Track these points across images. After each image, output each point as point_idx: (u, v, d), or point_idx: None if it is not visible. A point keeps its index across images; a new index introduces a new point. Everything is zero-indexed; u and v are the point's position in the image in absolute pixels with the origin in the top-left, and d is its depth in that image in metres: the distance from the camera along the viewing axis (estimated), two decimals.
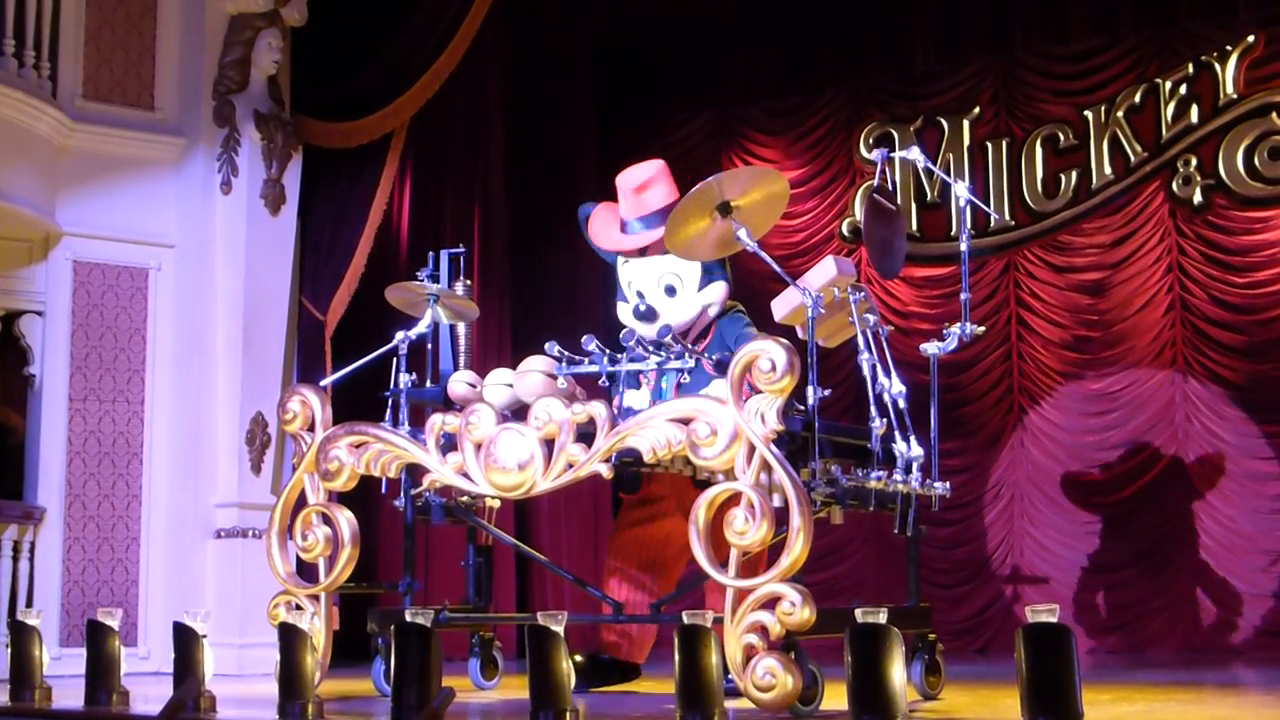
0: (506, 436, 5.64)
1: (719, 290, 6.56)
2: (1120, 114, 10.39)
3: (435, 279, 6.89)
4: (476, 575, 7.10)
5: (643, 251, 6.60)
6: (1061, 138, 10.59)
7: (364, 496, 7.24)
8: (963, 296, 6.06)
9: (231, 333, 9.06)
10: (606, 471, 5.54)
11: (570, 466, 5.56)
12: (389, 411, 6.25)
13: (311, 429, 6.14)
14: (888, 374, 5.76)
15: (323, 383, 6.61)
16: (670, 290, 6.53)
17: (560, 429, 5.55)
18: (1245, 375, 9.91)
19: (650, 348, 5.79)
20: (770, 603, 5.10)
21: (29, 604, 8.24)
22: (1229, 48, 10.08)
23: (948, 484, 5.98)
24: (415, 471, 6.19)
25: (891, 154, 6.82)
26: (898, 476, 5.71)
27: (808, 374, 5.41)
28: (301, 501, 6.18)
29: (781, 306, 6.12)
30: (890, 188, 6.41)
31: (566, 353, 5.90)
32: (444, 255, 7.06)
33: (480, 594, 7.10)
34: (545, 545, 10.18)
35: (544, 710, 4.54)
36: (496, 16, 9.92)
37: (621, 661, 6.79)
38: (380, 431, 6.02)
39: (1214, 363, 10.00)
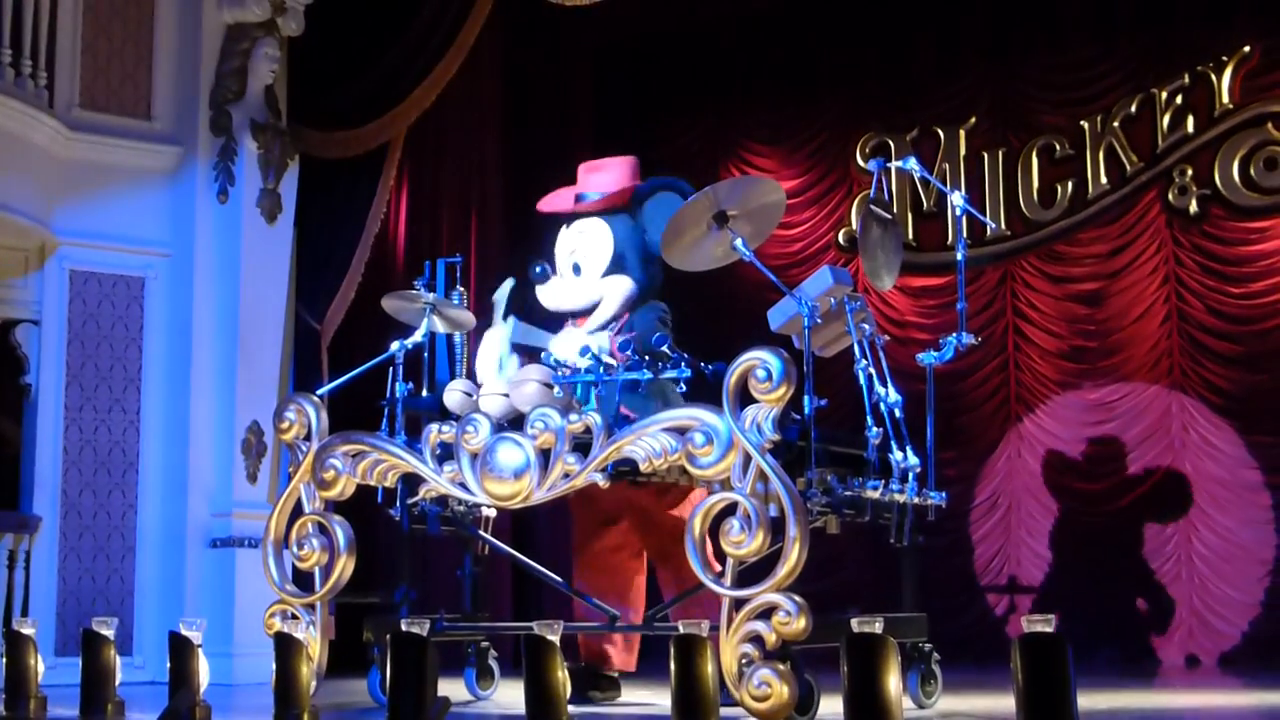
0: (503, 446, 5.65)
1: (620, 285, 6.50)
2: (1116, 124, 10.40)
3: (431, 288, 6.89)
4: (473, 585, 7.09)
5: (569, 221, 6.65)
6: (1057, 147, 10.60)
7: (360, 506, 7.22)
8: (959, 306, 6.07)
9: (228, 342, 9.06)
10: (603, 481, 5.54)
11: (566, 476, 5.56)
12: (385, 421, 6.25)
13: (308, 438, 6.14)
14: (884, 383, 5.77)
15: (319, 392, 6.61)
16: (576, 269, 6.58)
17: (556, 438, 5.55)
18: (1242, 385, 9.91)
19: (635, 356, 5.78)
20: (766, 612, 5.10)
21: (24, 613, 8.22)
22: (1225, 58, 10.09)
23: (944, 494, 5.99)
24: (412, 481, 6.19)
25: (888, 163, 6.84)
26: (894, 486, 5.71)
27: (804, 383, 5.41)
28: (298, 511, 6.18)
29: (778, 316, 6.12)
30: (886, 197, 6.43)
31: (563, 362, 5.90)
32: (440, 264, 7.06)
33: (476, 603, 7.10)
34: (542, 555, 10.12)
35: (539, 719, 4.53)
36: (493, 26, 9.92)
37: (602, 674, 6.79)
38: (376, 441, 6.02)
39: (1210, 373, 10.00)
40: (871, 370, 5.79)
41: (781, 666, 5.04)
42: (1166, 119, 10.27)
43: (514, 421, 5.87)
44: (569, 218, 6.80)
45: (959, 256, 6.18)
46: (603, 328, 6.44)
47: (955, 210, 6.31)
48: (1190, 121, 10.18)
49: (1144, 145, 10.33)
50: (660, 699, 6.33)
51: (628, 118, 11.68)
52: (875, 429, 5.68)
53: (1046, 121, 10.69)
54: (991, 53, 10.76)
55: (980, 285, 10.59)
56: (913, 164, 6.45)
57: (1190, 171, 10.16)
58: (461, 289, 7.07)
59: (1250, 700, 6.98)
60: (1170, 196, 10.23)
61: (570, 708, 4.64)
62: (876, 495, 5.62)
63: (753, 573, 5.30)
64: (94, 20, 9.07)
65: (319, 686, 5.87)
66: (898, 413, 5.75)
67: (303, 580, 6.28)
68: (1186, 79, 10.21)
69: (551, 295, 6.65)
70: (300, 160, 9.40)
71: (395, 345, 6.39)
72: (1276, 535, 9.75)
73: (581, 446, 5.53)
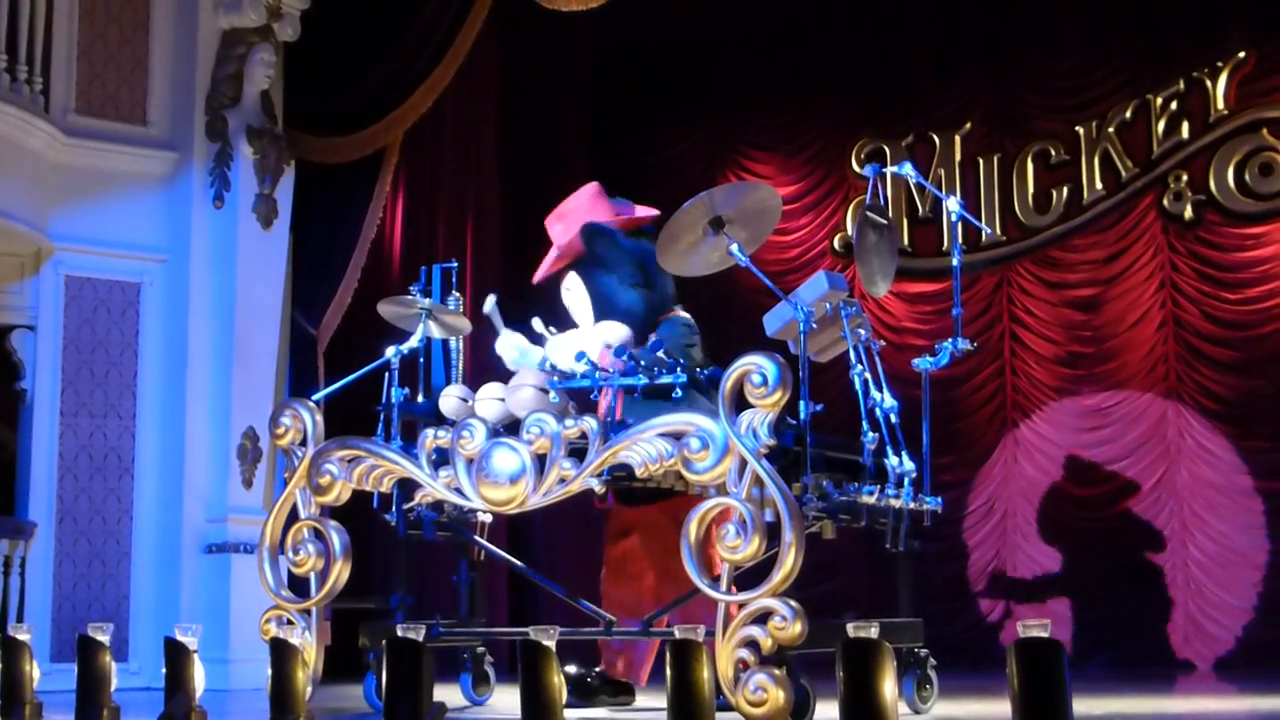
0: (498, 451, 5.64)
1: (609, 330, 6.43)
2: (1112, 130, 10.42)
3: (427, 294, 6.89)
4: (469, 590, 7.08)
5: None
6: (1053, 153, 10.62)
7: (356, 511, 7.22)
8: (955, 312, 6.07)
9: (223, 347, 9.06)
10: (599, 486, 5.53)
11: (562, 481, 5.55)
12: (381, 426, 6.24)
13: (303, 443, 6.13)
14: (880, 389, 5.77)
15: (315, 397, 6.60)
16: (579, 325, 6.59)
17: (552, 443, 5.54)
18: (1237, 391, 9.93)
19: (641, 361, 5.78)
20: (762, 617, 5.10)
21: (19, 619, 8.22)
22: (1220, 64, 10.11)
23: (940, 499, 5.99)
24: (407, 486, 6.18)
25: (884, 169, 6.84)
26: (890, 491, 5.71)
27: (800, 388, 5.41)
28: (293, 516, 6.17)
29: (774, 321, 6.12)
30: (882, 203, 6.43)
31: (559, 367, 5.90)
32: (436, 270, 7.05)
33: (472, 609, 7.09)
34: (538, 560, 10.17)
35: None
36: (490, 33, 9.93)
37: (614, 680, 6.78)
38: (372, 446, 6.01)
39: (1206, 378, 10.01)
40: (867, 376, 5.79)
41: (777, 671, 5.04)
42: (1162, 125, 10.29)
43: (510, 427, 5.87)
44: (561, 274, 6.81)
45: (955, 262, 6.18)
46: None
47: (951, 216, 6.31)
48: (1185, 127, 10.19)
49: (1139, 151, 10.35)
50: (656, 703, 6.34)
51: (624, 124, 11.69)
52: (871, 434, 5.68)
53: (1042, 127, 10.71)
54: (987, 59, 10.78)
55: (976, 291, 10.60)
56: (908, 170, 6.45)
57: (1185, 177, 10.18)
58: (458, 294, 7.05)
59: (1244, 705, 6.98)
60: (1166, 202, 10.24)
61: (567, 712, 4.63)
62: (872, 500, 5.62)
63: (748, 578, 5.30)
64: (90, 25, 9.07)
65: (315, 692, 5.86)
66: (894, 418, 5.75)
67: (298, 586, 6.27)
68: (1182, 85, 10.22)
69: (556, 351, 6.57)
70: (296, 165, 9.41)
71: (391, 350, 6.38)
72: (1270, 541, 9.77)
73: (577, 452, 5.53)
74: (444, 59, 9.49)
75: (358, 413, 6.94)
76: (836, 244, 11.20)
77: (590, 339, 6.33)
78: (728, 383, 5.24)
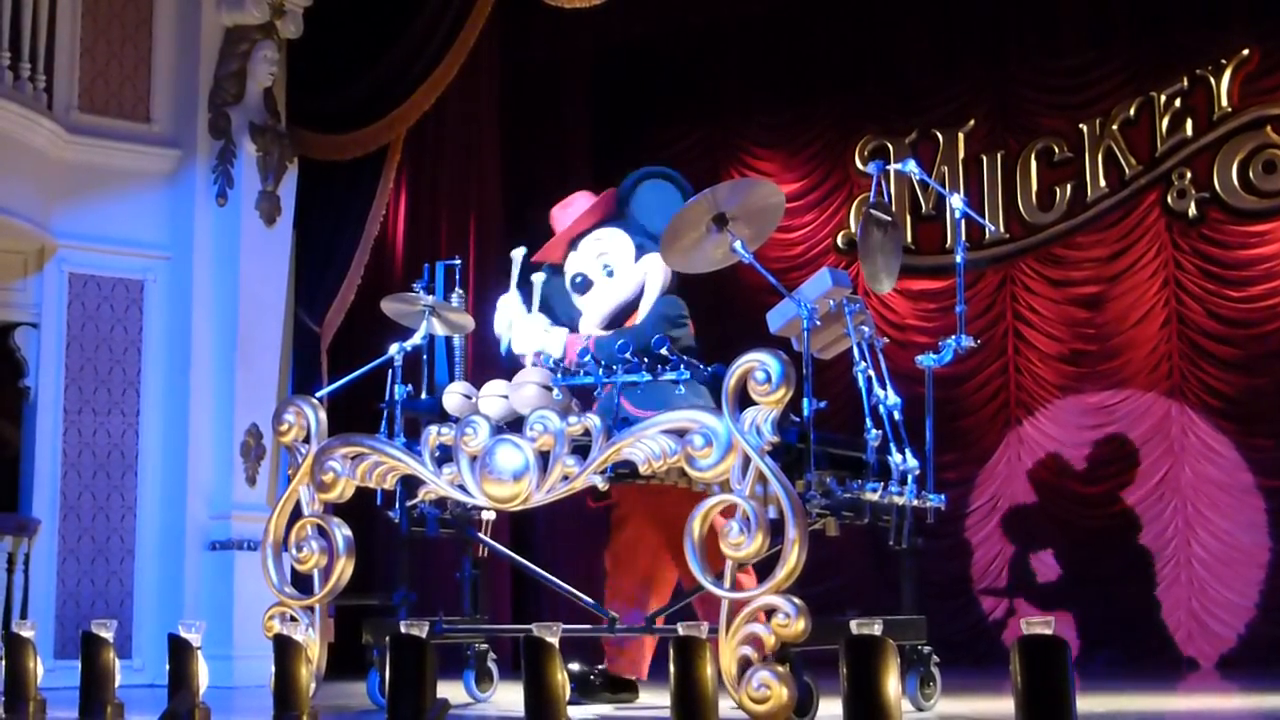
0: (502, 448, 5.64)
1: (656, 262, 6.48)
2: (1115, 127, 10.41)
3: (430, 291, 6.89)
4: (472, 587, 7.09)
5: (572, 245, 6.67)
6: (1056, 151, 10.61)
7: (359, 508, 7.22)
8: (958, 309, 6.07)
9: (227, 344, 9.06)
10: (602, 483, 5.54)
11: (566, 478, 5.56)
12: (384, 423, 6.24)
13: (307, 440, 6.14)
14: (883, 386, 5.77)
15: (318, 394, 6.60)
16: (609, 271, 6.58)
17: (555, 441, 5.55)
18: (1241, 389, 9.92)
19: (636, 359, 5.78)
20: (765, 615, 5.09)
21: (23, 616, 8.23)
22: (1223, 61, 10.09)
23: (943, 496, 5.98)
24: (411, 483, 6.18)
25: (887, 166, 6.83)
26: (893, 489, 5.71)
27: (803, 386, 5.40)
28: (297, 513, 6.17)
29: (777, 318, 6.12)
30: (885, 200, 6.43)
31: (562, 364, 5.90)
32: (439, 267, 7.06)
33: (475, 606, 7.09)
34: (541, 557, 10.13)
35: None
36: (492, 30, 9.93)
37: (615, 676, 6.78)
38: (376, 443, 6.01)
39: (1210, 376, 10.01)
40: (871, 373, 5.79)
41: (781, 668, 5.04)
42: (1165, 122, 10.27)
43: (513, 424, 5.87)
44: (573, 242, 6.80)
45: (958, 259, 6.18)
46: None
47: (954, 213, 6.31)
48: (1189, 125, 10.18)
49: (1143, 148, 10.34)
50: (657, 700, 6.34)
51: (627, 121, 11.68)
52: (874, 431, 5.68)
53: (1045, 124, 10.69)
54: (990, 56, 10.77)
55: (980, 288, 10.60)
56: (912, 167, 6.45)
57: (1189, 175, 10.17)
58: (460, 291, 7.06)
59: (1248, 703, 6.98)
60: (1169, 200, 10.23)
61: (570, 709, 4.64)
62: (875, 498, 5.62)
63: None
64: (93, 23, 9.08)
65: (318, 689, 5.86)
66: (897, 415, 5.75)
67: (302, 583, 6.28)
68: (1185, 82, 10.21)
69: (595, 301, 6.61)
70: (299, 163, 9.42)
71: (394, 348, 6.38)
72: (1273, 539, 9.76)
73: (581, 449, 5.53)
74: (446, 57, 9.48)
75: (361, 410, 6.95)
76: (840, 241, 11.19)
77: (639, 274, 6.45)
78: (731, 380, 5.24)
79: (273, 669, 5.20)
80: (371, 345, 6.86)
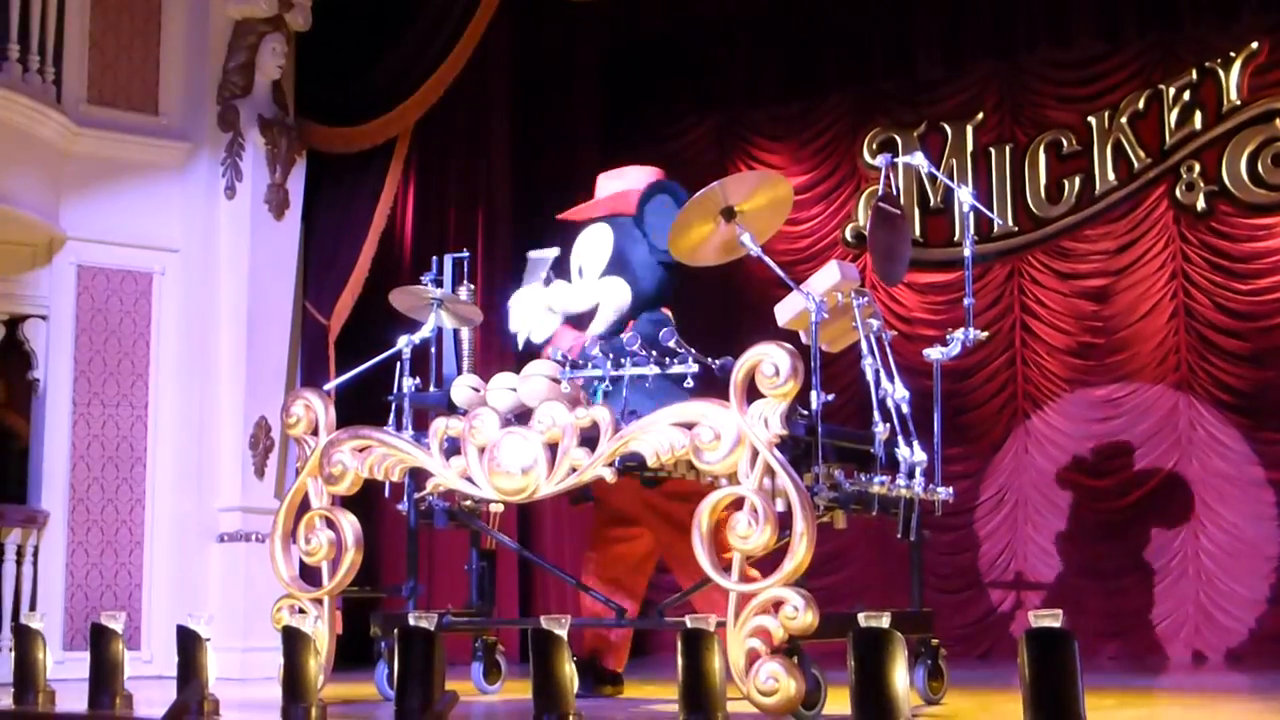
0: (510, 441, 5.65)
1: (614, 289, 6.48)
2: (1124, 120, 10.38)
3: (439, 283, 6.90)
4: (479, 579, 7.10)
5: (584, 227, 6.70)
6: (1065, 144, 10.59)
7: (367, 500, 7.24)
8: (966, 302, 6.07)
9: (235, 337, 9.07)
10: (610, 475, 5.55)
11: (573, 470, 5.57)
12: (393, 415, 6.26)
13: (315, 433, 6.15)
14: (891, 379, 5.77)
15: (326, 387, 6.63)
16: (580, 272, 6.62)
17: (563, 433, 5.56)
18: (1248, 382, 9.90)
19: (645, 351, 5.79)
20: (773, 607, 5.10)
21: (32, 608, 8.25)
22: (1233, 54, 10.07)
23: (950, 489, 5.99)
24: (419, 475, 6.20)
25: (895, 159, 6.83)
26: (901, 481, 5.71)
27: (811, 379, 5.41)
28: (305, 505, 6.19)
29: (785, 311, 6.13)
30: (894, 193, 6.42)
31: (570, 357, 5.91)
32: (448, 260, 7.06)
33: (483, 598, 7.11)
34: (548, 549, 10.17)
35: (547, 713, 4.54)
36: (500, 22, 9.91)
37: (602, 668, 6.80)
38: (384, 435, 6.02)
39: (1217, 369, 9.99)
40: (878, 366, 5.79)
41: (789, 661, 5.05)
42: (1174, 115, 10.25)
43: (521, 416, 5.88)
44: (585, 224, 6.83)
45: (966, 253, 6.17)
46: (604, 335, 6.41)
47: (963, 206, 6.30)
48: (1198, 118, 10.16)
49: (1152, 142, 10.31)
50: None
51: (635, 114, 11.67)
52: (882, 424, 5.68)
53: (1054, 118, 10.67)
54: (998, 49, 10.73)
55: (987, 281, 10.58)
56: (920, 160, 6.45)
57: (1198, 168, 10.14)
58: (469, 284, 7.07)
59: (1256, 696, 6.98)
60: (1178, 193, 10.21)
61: (577, 701, 4.65)
62: (883, 490, 5.62)
63: (760, 568, 5.31)
64: (101, 15, 9.08)
65: (326, 681, 5.88)
66: (905, 408, 5.75)
67: (310, 575, 6.29)
68: (1194, 75, 10.19)
69: (556, 298, 6.67)
70: (307, 155, 9.42)
71: (403, 340, 6.40)
72: None
73: (589, 442, 5.54)
74: (455, 49, 9.47)
75: (369, 402, 6.96)
76: (848, 234, 11.18)
77: (596, 292, 6.39)
78: (739, 373, 5.25)
79: (281, 660, 5.22)
80: (380, 338, 6.88)
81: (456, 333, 6.99)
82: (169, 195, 9.22)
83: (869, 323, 5.87)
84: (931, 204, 10.97)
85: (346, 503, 6.46)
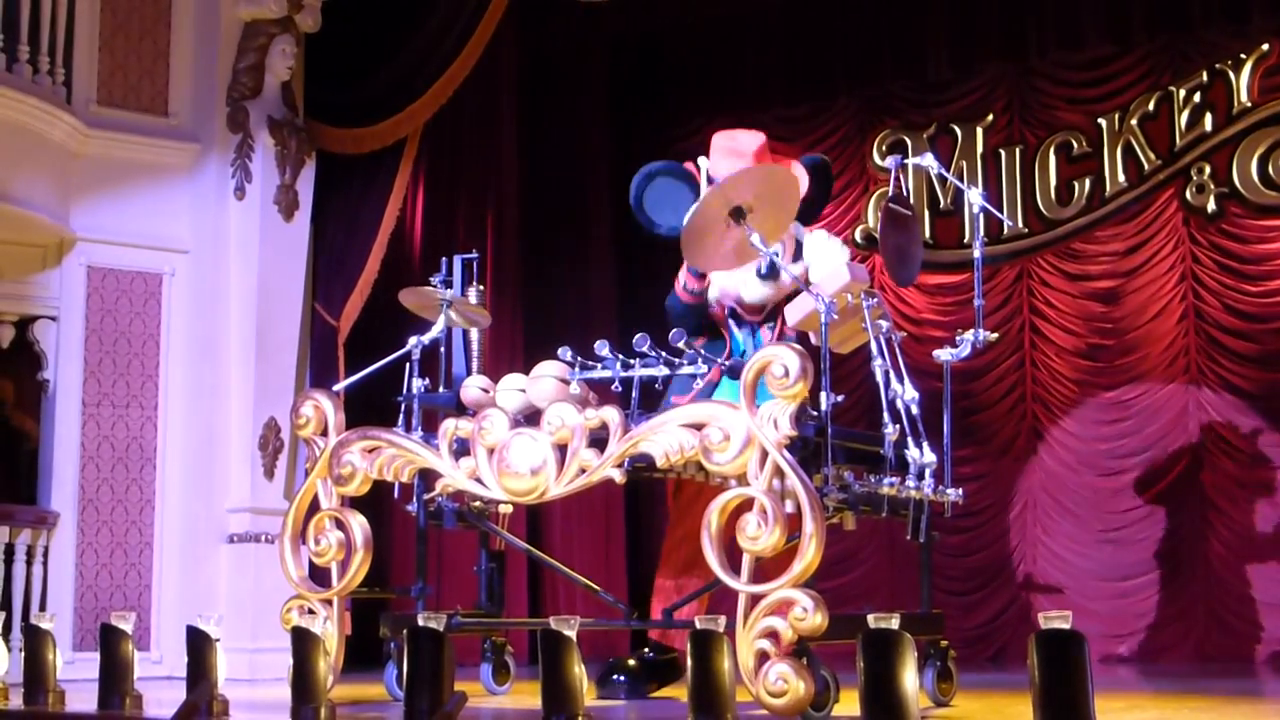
0: (519, 441, 5.65)
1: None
2: (1134, 122, 10.38)
3: (448, 284, 6.90)
4: (489, 580, 7.09)
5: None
6: (1075, 145, 10.58)
7: (377, 501, 7.25)
8: (976, 303, 6.06)
9: (245, 338, 9.08)
10: (619, 477, 5.54)
11: (583, 472, 5.56)
12: (402, 416, 6.26)
13: (324, 434, 6.15)
14: (901, 380, 5.76)
15: (336, 388, 6.63)
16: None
17: (573, 434, 5.55)
18: (1259, 384, 9.89)
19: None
20: (782, 608, 5.09)
21: (42, 608, 8.25)
22: (1243, 56, 10.06)
23: (960, 491, 5.97)
24: (428, 476, 6.20)
25: (905, 161, 6.81)
26: (910, 483, 5.70)
27: (821, 379, 5.40)
28: (314, 506, 6.19)
29: (795, 312, 6.12)
30: (905, 194, 6.40)
31: (579, 358, 5.90)
32: (457, 260, 7.07)
33: (492, 599, 7.10)
34: (557, 550, 10.18)
35: (556, 715, 4.54)
36: (509, 23, 9.93)
37: (657, 664, 6.75)
38: (393, 436, 6.02)
39: (1227, 371, 9.98)
40: (888, 367, 5.78)
41: (798, 662, 5.04)
42: (1184, 117, 10.25)
43: (531, 417, 5.87)
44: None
45: (976, 254, 6.16)
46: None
47: (973, 208, 6.28)
48: (1208, 119, 10.16)
49: (1162, 143, 10.31)
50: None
51: (644, 114, 11.69)
52: (892, 426, 5.67)
53: (1064, 119, 10.67)
54: (1009, 50, 10.73)
55: (996, 283, 10.58)
56: (930, 161, 6.44)
57: (1208, 170, 10.14)
58: (478, 285, 7.07)
59: (1268, 700, 6.96)
60: (1188, 194, 10.21)
61: (587, 702, 4.64)
62: (893, 492, 5.61)
63: (769, 569, 5.30)
64: (111, 17, 9.09)
65: (335, 681, 5.88)
66: (914, 409, 5.74)
67: (319, 576, 6.30)
68: (1205, 77, 10.19)
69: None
70: (317, 156, 9.43)
71: (412, 341, 6.40)
72: None
73: (598, 443, 5.53)
74: (464, 49, 9.48)
75: (379, 403, 6.97)
76: (857, 236, 11.18)
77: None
78: (749, 374, 5.24)
79: (290, 661, 5.22)
80: (389, 339, 6.88)
81: (466, 333, 7.00)
82: (178, 196, 9.23)
83: (879, 324, 5.86)
84: (941, 205, 10.97)
85: (356, 504, 6.46)
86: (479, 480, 5.77)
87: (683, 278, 6.54)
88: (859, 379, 8.12)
